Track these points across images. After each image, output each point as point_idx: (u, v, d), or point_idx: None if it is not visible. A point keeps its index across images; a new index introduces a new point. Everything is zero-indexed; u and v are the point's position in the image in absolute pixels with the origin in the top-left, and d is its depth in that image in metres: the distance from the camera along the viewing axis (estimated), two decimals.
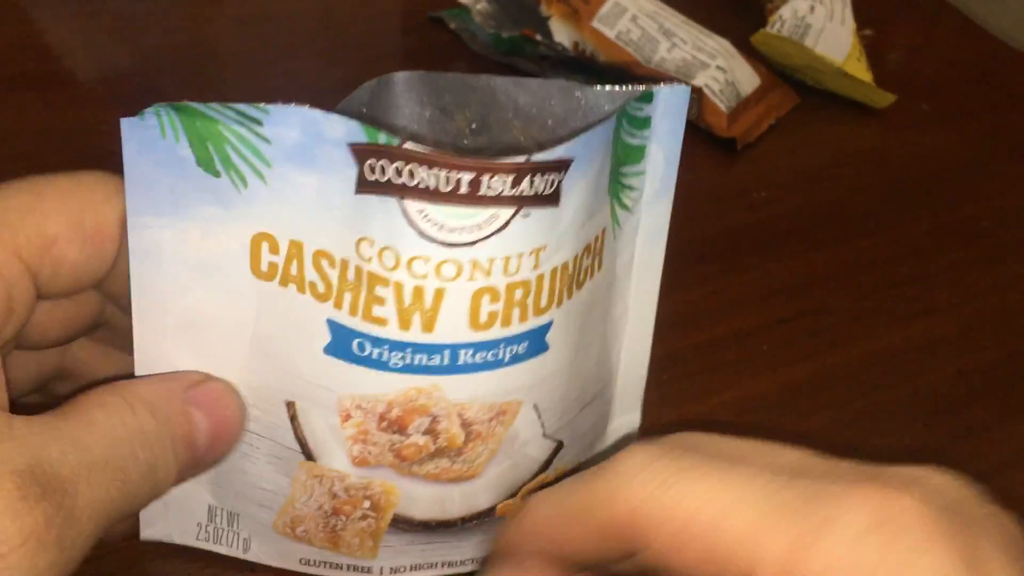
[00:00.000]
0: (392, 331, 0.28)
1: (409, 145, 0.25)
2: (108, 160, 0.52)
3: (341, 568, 0.33)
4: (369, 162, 0.25)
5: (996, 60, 0.79)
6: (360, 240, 0.26)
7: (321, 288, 0.27)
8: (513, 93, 0.32)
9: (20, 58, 0.59)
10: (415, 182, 0.26)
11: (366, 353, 0.28)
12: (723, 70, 0.60)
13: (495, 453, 0.31)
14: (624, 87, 0.30)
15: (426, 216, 0.26)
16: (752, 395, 0.45)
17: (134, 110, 0.56)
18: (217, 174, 0.25)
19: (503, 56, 0.64)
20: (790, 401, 0.45)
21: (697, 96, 0.59)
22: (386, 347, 0.28)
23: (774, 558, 0.20)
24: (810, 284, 0.52)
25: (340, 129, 0.25)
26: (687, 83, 0.25)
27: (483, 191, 0.26)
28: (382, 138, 0.25)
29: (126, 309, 0.28)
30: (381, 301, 0.27)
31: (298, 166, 0.25)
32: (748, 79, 0.62)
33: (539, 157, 0.26)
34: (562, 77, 0.63)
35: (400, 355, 0.28)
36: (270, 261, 0.27)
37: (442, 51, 0.66)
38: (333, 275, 0.27)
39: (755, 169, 0.61)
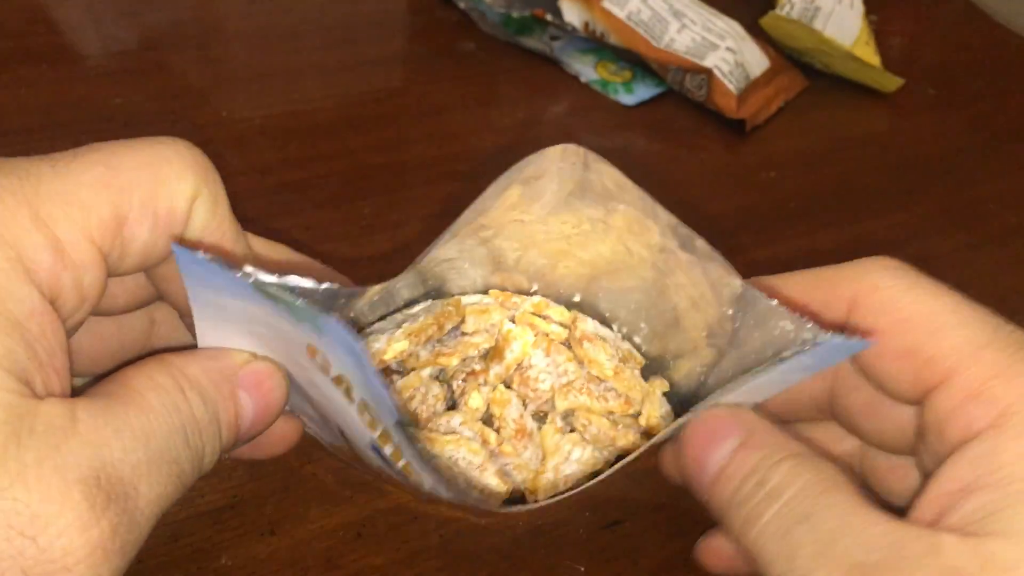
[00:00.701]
0: (425, 487, 0.29)
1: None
2: (117, 134, 0.52)
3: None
4: (410, 432, 0.25)
5: (999, 46, 0.79)
6: (399, 444, 0.27)
7: (367, 419, 0.26)
8: None
9: (28, 32, 0.59)
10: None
11: (401, 475, 0.29)
12: (733, 51, 0.60)
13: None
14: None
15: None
16: None
17: (142, 85, 0.56)
18: (276, 303, 0.23)
19: (513, 36, 0.64)
20: None
21: (706, 77, 0.59)
22: (417, 487, 0.29)
23: (976, 375, 0.24)
24: (816, 264, 0.52)
25: (384, 389, 0.24)
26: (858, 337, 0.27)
27: None
28: (414, 445, 0.26)
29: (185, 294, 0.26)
30: (418, 481, 0.28)
31: (347, 354, 0.24)
32: (757, 61, 0.62)
33: None
34: (571, 57, 0.63)
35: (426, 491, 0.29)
36: (323, 365, 0.25)
37: (451, 30, 0.66)
38: (378, 426, 0.26)
39: (763, 150, 0.61)
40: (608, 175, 0.31)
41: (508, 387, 0.33)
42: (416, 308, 0.33)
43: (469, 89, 0.62)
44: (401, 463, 0.27)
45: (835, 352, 0.27)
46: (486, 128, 0.59)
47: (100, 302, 0.24)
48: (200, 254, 0.21)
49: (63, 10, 0.63)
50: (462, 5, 0.66)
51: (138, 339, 0.29)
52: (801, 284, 0.30)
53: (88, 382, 0.25)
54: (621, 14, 0.60)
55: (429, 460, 0.25)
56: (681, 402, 0.35)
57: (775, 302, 0.29)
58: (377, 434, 0.26)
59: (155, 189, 0.24)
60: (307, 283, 0.23)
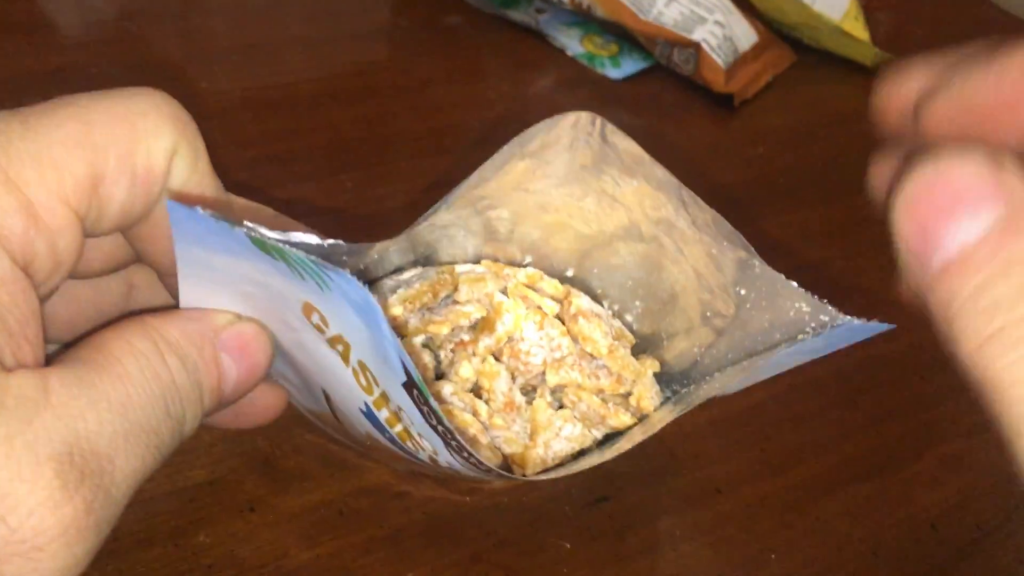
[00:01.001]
0: (426, 459, 0.28)
1: (462, 440, 0.25)
2: None
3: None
4: (416, 393, 0.24)
5: (988, 23, 0.78)
6: (401, 409, 0.26)
7: (363, 382, 0.25)
8: None
9: (4, 2, 0.58)
10: (463, 455, 0.26)
11: (399, 446, 0.28)
12: (721, 25, 0.59)
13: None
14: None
15: (469, 468, 0.27)
16: None
17: (119, 56, 0.55)
18: (275, 259, 0.23)
19: (498, 9, 0.63)
20: None
21: (694, 51, 0.59)
22: (419, 461, 0.28)
23: None
24: (805, 240, 0.52)
25: (397, 344, 0.23)
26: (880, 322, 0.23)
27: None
28: (433, 403, 0.24)
29: (164, 254, 0.25)
30: (415, 448, 0.27)
31: (356, 313, 0.23)
32: (745, 35, 0.61)
33: None
34: (557, 31, 0.62)
35: (434, 466, 0.28)
36: (319, 325, 0.25)
37: (436, 3, 0.65)
38: (376, 389, 0.25)
39: (752, 126, 0.60)
40: (624, 148, 0.30)
41: (498, 359, 0.32)
42: (407, 274, 0.33)
43: (454, 63, 0.61)
44: (397, 428, 0.26)
45: (851, 334, 0.27)
46: (471, 102, 0.58)
47: (76, 266, 0.23)
48: (199, 209, 0.20)
49: None
50: None
51: (116, 303, 0.28)
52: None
53: (61, 348, 0.24)
54: None
55: (441, 422, 0.24)
56: (670, 382, 0.34)
57: (795, 284, 0.28)
58: (374, 397, 0.25)
59: (132, 145, 0.23)
60: (311, 238, 0.22)
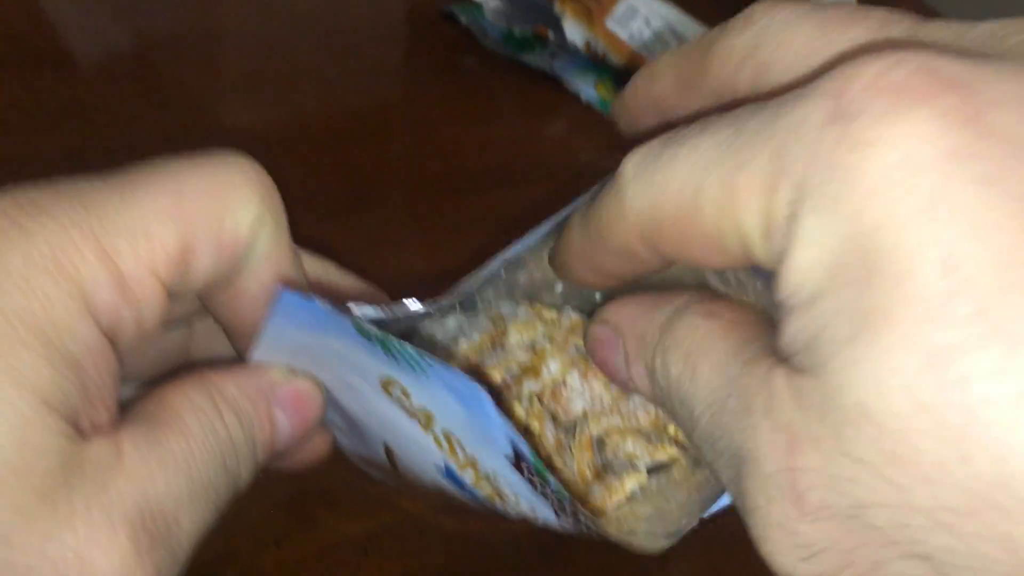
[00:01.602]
0: (513, 514, 0.28)
1: (583, 510, 0.25)
2: (122, 142, 0.52)
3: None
4: (525, 468, 0.24)
5: None
6: (498, 475, 0.26)
7: (445, 447, 0.26)
8: None
9: (25, 35, 0.59)
10: (579, 520, 0.26)
11: (480, 501, 0.28)
12: None
13: None
14: None
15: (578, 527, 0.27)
16: None
17: (142, 91, 0.56)
18: (370, 340, 0.23)
19: (513, 52, 0.64)
20: None
21: None
22: (503, 513, 0.28)
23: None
24: None
25: (509, 429, 0.23)
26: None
27: None
28: (552, 482, 0.24)
29: (236, 317, 0.26)
30: (505, 504, 0.27)
31: (454, 397, 0.23)
32: None
33: None
34: (571, 75, 0.63)
35: (513, 514, 0.29)
36: (400, 398, 0.25)
37: (450, 45, 0.66)
38: (461, 454, 0.26)
39: None
40: None
41: (540, 401, 0.33)
42: (451, 322, 0.33)
43: (470, 104, 0.62)
44: (486, 490, 0.27)
45: None
46: (486, 144, 0.59)
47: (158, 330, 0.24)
48: (316, 302, 0.21)
49: (62, 13, 0.62)
50: (463, 20, 0.66)
51: (177, 346, 0.28)
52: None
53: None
54: (623, 34, 0.60)
55: (561, 495, 0.25)
56: None
57: None
58: (459, 462, 0.26)
59: (221, 216, 0.23)
60: (412, 305, 0.24)
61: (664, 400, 0.23)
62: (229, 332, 0.27)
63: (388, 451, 0.29)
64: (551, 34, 0.62)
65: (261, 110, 0.58)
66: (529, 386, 0.33)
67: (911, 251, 0.16)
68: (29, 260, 0.20)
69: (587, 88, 0.63)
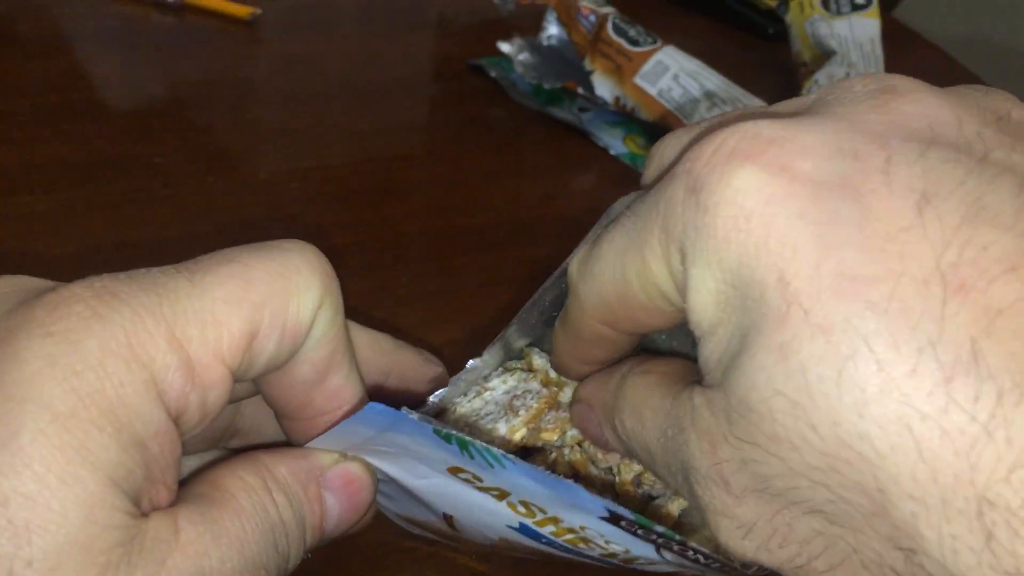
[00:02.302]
0: (595, 554, 0.28)
1: (698, 545, 0.25)
2: (159, 194, 0.52)
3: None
4: (624, 523, 0.25)
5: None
6: (585, 527, 0.26)
7: (521, 510, 0.26)
8: None
9: (69, 87, 0.60)
10: (688, 555, 0.26)
11: (558, 546, 0.28)
12: None
13: None
14: None
15: (682, 561, 0.28)
16: None
17: (179, 144, 0.57)
18: (450, 443, 0.24)
19: (542, 106, 0.65)
20: None
21: None
22: (577, 554, 0.28)
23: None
24: None
25: (605, 502, 0.24)
26: None
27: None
28: (659, 528, 0.24)
29: (290, 400, 0.26)
30: (591, 548, 0.27)
31: (537, 483, 0.24)
32: None
33: None
34: (600, 129, 0.64)
35: (591, 559, 0.29)
36: (467, 479, 0.26)
37: (479, 98, 0.67)
38: (540, 515, 0.26)
39: None
40: None
41: (580, 446, 0.33)
42: (493, 381, 0.34)
43: (499, 158, 0.63)
44: (567, 537, 0.27)
45: None
46: (516, 198, 0.60)
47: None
48: (405, 413, 0.23)
49: (98, 67, 0.63)
50: (492, 74, 0.67)
51: (226, 419, 0.29)
52: None
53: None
54: (652, 91, 0.61)
55: (680, 542, 0.25)
56: None
57: None
58: (536, 519, 0.26)
59: (286, 302, 0.24)
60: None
61: (630, 450, 0.27)
62: (278, 413, 0.27)
63: (448, 517, 0.29)
64: (581, 89, 0.62)
65: (292, 163, 0.58)
66: (571, 433, 0.33)
67: (760, 278, 0.20)
68: (105, 346, 0.21)
69: (616, 142, 0.64)
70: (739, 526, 0.22)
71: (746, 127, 0.21)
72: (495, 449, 0.23)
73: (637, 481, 0.34)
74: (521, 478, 0.24)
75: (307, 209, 0.54)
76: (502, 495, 0.26)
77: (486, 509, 0.27)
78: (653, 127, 0.63)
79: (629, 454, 0.27)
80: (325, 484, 0.26)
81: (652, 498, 0.33)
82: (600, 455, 0.34)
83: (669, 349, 0.32)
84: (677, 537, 0.24)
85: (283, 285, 0.24)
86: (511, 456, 0.23)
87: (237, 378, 0.24)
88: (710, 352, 0.22)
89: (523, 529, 0.27)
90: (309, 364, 0.25)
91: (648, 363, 0.27)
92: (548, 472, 0.23)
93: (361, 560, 0.35)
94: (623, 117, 0.64)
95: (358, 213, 0.55)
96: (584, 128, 0.64)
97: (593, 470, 0.33)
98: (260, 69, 0.69)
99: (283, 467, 0.25)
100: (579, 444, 0.34)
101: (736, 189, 0.20)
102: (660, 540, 0.25)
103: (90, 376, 0.20)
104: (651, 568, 0.29)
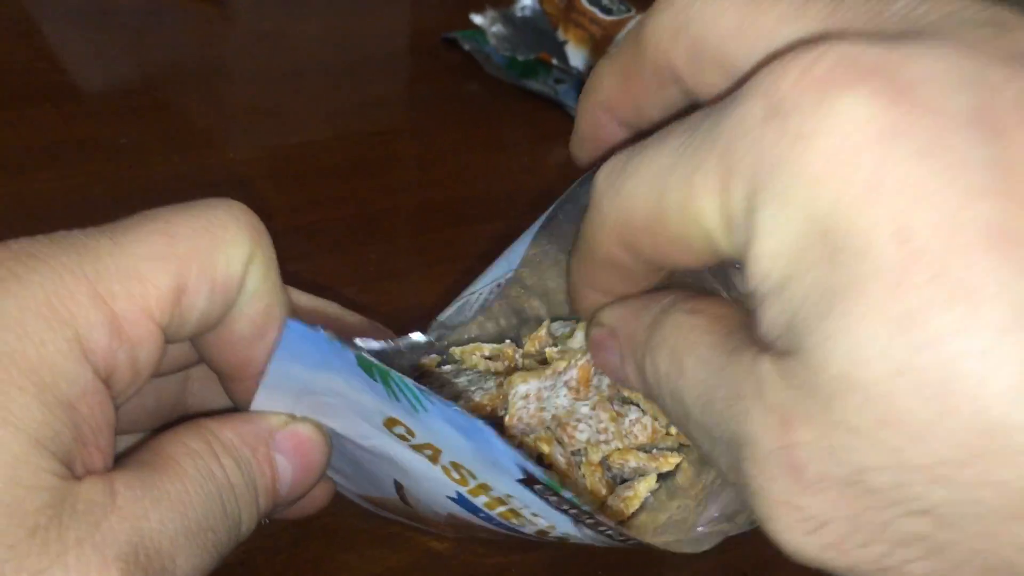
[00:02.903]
0: (530, 532, 0.28)
1: (603, 517, 0.25)
2: (124, 176, 0.52)
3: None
4: (539, 487, 0.24)
5: None
6: (511, 496, 0.26)
7: (456, 476, 0.26)
8: None
9: (32, 70, 0.59)
10: (599, 528, 0.26)
11: (496, 523, 0.28)
12: None
13: None
14: None
15: (599, 538, 0.27)
16: None
17: (147, 125, 0.56)
18: (374, 379, 0.24)
19: (517, 79, 0.64)
20: None
21: None
22: (518, 532, 0.28)
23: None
24: None
25: (514, 454, 0.23)
26: None
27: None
28: (567, 494, 0.24)
29: (230, 360, 0.26)
30: (522, 523, 0.27)
31: (458, 431, 0.24)
32: None
33: None
34: (575, 100, 0.63)
35: (532, 537, 0.28)
36: (404, 435, 0.25)
37: (453, 72, 0.67)
38: (472, 481, 0.26)
39: None
40: None
41: (547, 429, 0.33)
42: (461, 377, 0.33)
43: (474, 132, 0.62)
44: (499, 509, 0.27)
45: None
46: (492, 172, 0.59)
47: (154, 374, 0.24)
48: (322, 331, 0.22)
49: (66, 48, 0.62)
50: (466, 47, 0.66)
51: (173, 394, 0.29)
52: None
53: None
54: None
55: (579, 508, 0.24)
56: None
57: None
58: (469, 487, 0.26)
59: (213, 256, 0.23)
60: (417, 338, 0.24)
61: (655, 395, 0.24)
62: (222, 376, 0.27)
63: (399, 487, 0.29)
64: (555, 60, 0.61)
65: (268, 141, 0.58)
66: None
67: (865, 228, 0.17)
68: (23, 305, 0.20)
69: None
70: (804, 519, 0.18)
71: (838, 49, 0.18)
72: (409, 381, 0.22)
73: (606, 464, 0.34)
74: (441, 423, 0.23)
75: (277, 187, 0.54)
76: (435, 454, 0.25)
77: (426, 476, 0.26)
78: None
79: (651, 398, 0.24)
80: (275, 446, 0.25)
81: (623, 480, 0.33)
82: (567, 437, 0.33)
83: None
84: (584, 507, 0.24)
85: (209, 239, 0.23)
86: (425, 389, 0.22)
87: (170, 337, 0.23)
88: (778, 312, 0.18)
89: (461, 501, 0.27)
90: (246, 320, 0.25)
91: (696, 301, 0.23)
92: (462, 411, 0.22)
93: (321, 543, 0.35)
94: None
95: (329, 190, 0.54)
96: (559, 100, 0.63)
97: (557, 452, 0.32)
98: (231, 48, 0.68)
99: (229, 431, 0.24)
100: (546, 427, 0.33)
101: (841, 117, 0.17)
102: (571, 510, 0.24)
103: (8, 336, 0.20)
104: (591, 543, 0.28)
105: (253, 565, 0.34)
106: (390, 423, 0.25)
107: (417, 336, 0.28)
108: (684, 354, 0.22)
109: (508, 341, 0.35)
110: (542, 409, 0.31)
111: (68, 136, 0.54)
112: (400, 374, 0.22)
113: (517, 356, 0.35)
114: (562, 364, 0.31)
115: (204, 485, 0.23)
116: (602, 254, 0.24)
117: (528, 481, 0.24)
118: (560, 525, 0.26)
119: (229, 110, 0.61)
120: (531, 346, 0.35)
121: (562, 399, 0.32)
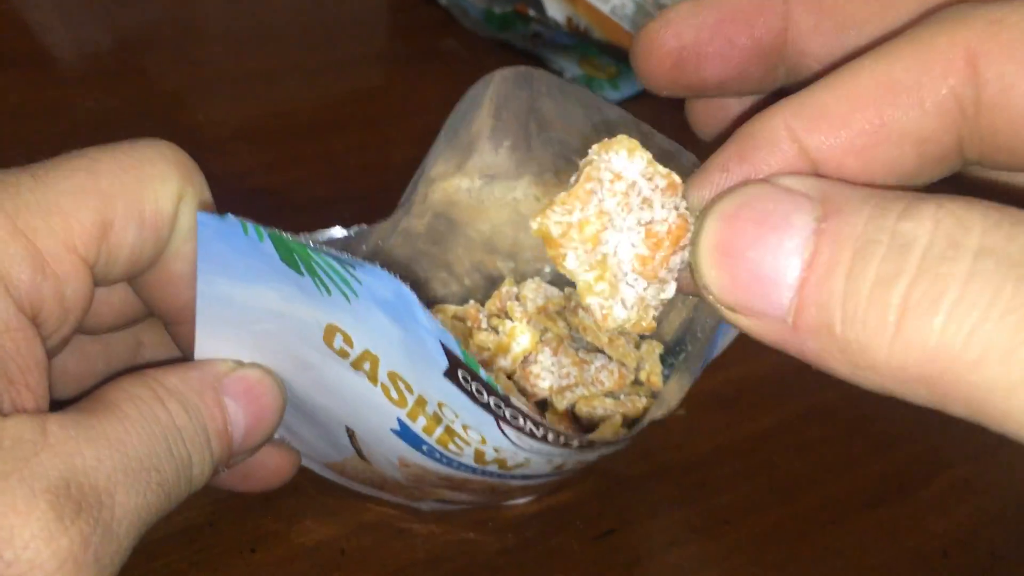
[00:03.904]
0: (467, 460, 0.27)
1: (518, 403, 0.23)
2: (91, 141, 0.51)
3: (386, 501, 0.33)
4: (462, 373, 0.23)
5: None
6: (442, 405, 0.25)
7: (394, 395, 0.25)
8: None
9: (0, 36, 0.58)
10: (519, 424, 0.24)
11: (436, 456, 0.27)
12: None
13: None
14: None
15: (523, 440, 0.25)
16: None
17: (116, 89, 0.55)
18: (300, 274, 0.23)
19: (495, 32, 0.63)
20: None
21: None
22: (457, 463, 0.27)
23: None
24: None
25: (435, 326, 0.22)
26: None
27: (595, 447, 0.25)
28: (483, 374, 0.23)
29: (173, 301, 0.26)
30: (459, 448, 0.26)
31: (386, 315, 0.23)
32: None
33: None
34: (555, 53, 0.62)
35: (471, 470, 0.27)
36: (343, 348, 0.25)
37: (433, 28, 0.65)
38: (410, 397, 0.25)
39: None
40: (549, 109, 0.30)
41: (510, 378, 0.32)
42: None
43: (451, 88, 0.61)
44: (437, 432, 0.26)
45: None
46: None
47: (87, 315, 0.24)
48: (230, 215, 0.21)
49: (34, 12, 0.61)
50: (443, 2, 0.65)
51: (125, 359, 0.28)
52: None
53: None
54: (605, 8, 0.59)
55: (494, 391, 0.24)
56: (667, 356, 0.35)
57: None
58: (408, 408, 0.25)
59: (139, 192, 0.23)
60: (335, 232, 0.23)
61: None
62: (167, 322, 0.26)
63: (351, 435, 0.28)
64: (532, 12, 0.60)
65: (241, 103, 0.57)
66: (501, 363, 0.32)
67: None
68: None
69: (571, 66, 0.62)
70: None
71: None
72: (331, 256, 0.21)
73: (572, 414, 0.33)
74: (372, 308, 0.22)
75: (252, 148, 0.53)
76: (373, 368, 0.24)
77: (369, 403, 0.26)
78: (609, 47, 0.61)
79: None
80: (224, 391, 0.25)
81: (593, 427, 0.32)
82: (529, 387, 0.33)
83: None
84: (500, 391, 0.23)
85: (135, 175, 0.23)
86: (347, 257, 0.21)
87: (100, 276, 0.23)
88: None
89: (404, 432, 0.26)
90: (182, 259, 0.24)
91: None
92: (387, 272, 0.21)
93: (275, 515, 0.34)
94: (577, 39, 0.62)
95: (301, 149, 0.53)
96: (538, 53, 0.62)
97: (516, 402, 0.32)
98: (204, 8, 0.66)
99: (174, 377, 0.24)
100: (507, 374, 0.33)
101: None
102: (493, 403, 0.24)
103: None
104: (526, 474, 0.28)
105: (222, 525, 0.33)
106: (329, 335, 0.24)
107: (336, 230, 0.28)
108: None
109: (472, 302, 0.35)
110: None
111: (36, 102, 0.53)
112: (319, 250, 0.21)
113: (482, 316, 0.34)
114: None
115: (146, 426, 0.22)
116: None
117: (452, 372, 0.23)
118: (490, 436, 0.25)
119: (202, 72, 0.60)
120: (493, 304, 0.34)
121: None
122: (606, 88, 0.60)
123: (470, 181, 0.33)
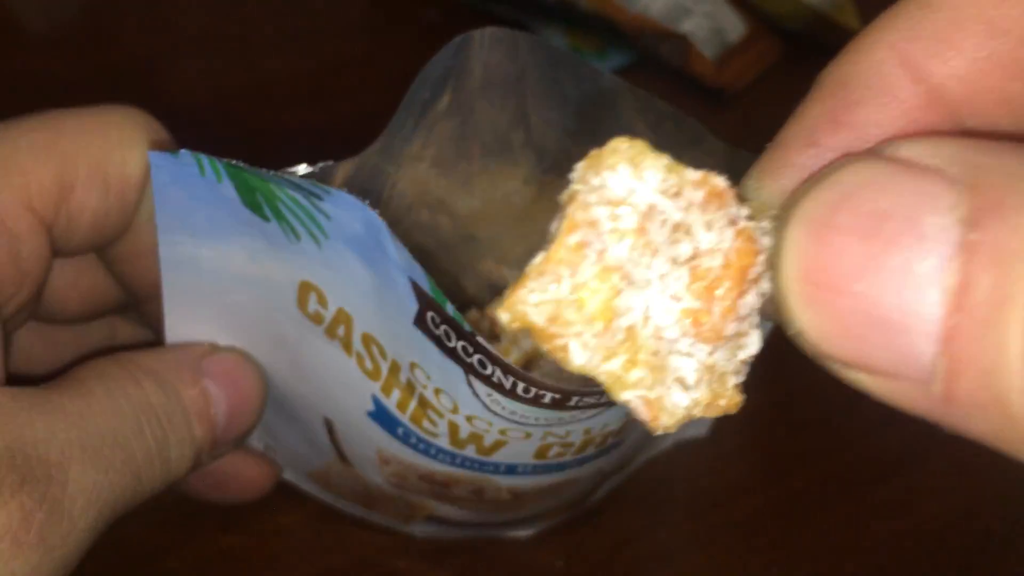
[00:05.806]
0: (443, 443, 0.25)
1: (484, 342, 0.21)
2: (59, 105, 0.49)
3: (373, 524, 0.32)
4: (431, 315, 0.21)
5: None
6: (414, 366, 0.23)
7: (368, 366, 0.24)
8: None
9: None
10: (487, 372, 0.21)
11: (412, 442, 0.26)
12: (709, 16, 0.58)
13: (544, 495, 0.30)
14: None
15: (494, 399, 0.23)
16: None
17: (87, 56, 0.53)
18: (266, 219, 0.22)
19: (479, 2, 0.61)
20: None
21: (682, 44, 0.57)
22: (434, 450, 0.26)
23: None
24: None
25: (403, 260, 0.20)
26: None
27: (570, 404, 0.22)
28: (449, 308, 0.20)
29: (145, 275, 0.25)
30: (433, 423, 0.25)
31: (357, 256, 0.21)
32: (734, 26, 0.59)
33: None
34: (540, 24, 0.60)
35: (450, 458, 0.26)
36: (317, 311, 0.23)
37: None
38: (383, 365, 0.24)
39: (742, 120, 0.59)
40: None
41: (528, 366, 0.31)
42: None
43: None
44: (411, 408, 0.24)
45: None
46: None
47: (51, 295, 0.23)
48: (185, 152, 0.20)
49: None
50: None
51: (97, 350, 0.27)
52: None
53: None
54: None
55: (463, 333, 0.21)
56: None
57: None
58: (381, 382, 0.24)
59: (104, 155, 0.22)
60: (300, 169, 0.23)
61: None
62: (139, 299, 0.25)
63: (330, 428, 0.27)
64: None
65: (215, 71, 0.55)
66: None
67: None
68: None
69: (557, 37, 0.60)
70: None
71: None
72: (295, 192, 0.20)
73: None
74: (343, 250, 0.21)
75: (226, 120, 0.51)
76: (347, 334, 0.23)
77: (346, 384, 0.25)
78: (596, 18, 0.59)
79: None
80: (203, 372, 0.24)
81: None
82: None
83: None
84: (467, 327, 0.21)
85: (100, 138, 0.22)
86: (313, 186, 0.20)
87: (61, 240, 0.22)
88: None
89: (379, 414, 0.25)
90: (151, 229, 0.23)
91: None
92: (358, 200, 0.20)
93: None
94: (563, 10, 0.60)
95: (278, 121, 0.52)
96: (523, 24, 0.60)
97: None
98: None
99: (149, 358, 0.23)
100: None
101: None
102: (461, 350, 0.22)
103: None
104: (509, 465, 0.27)
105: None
106: (303, 295, 0.23)
107: (302, 167, 0.27)
108: None
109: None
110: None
111: (6, 69, 0.51)
112: (282, 180, 0.20)
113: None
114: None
115: (112, 403, 0.21)
116: None
117: (422, 316, 0.22)
118: (462, 399, 0.24)
119: (176, 39, 0.58)
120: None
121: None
122: (593, 60, 0.59)
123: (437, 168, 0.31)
